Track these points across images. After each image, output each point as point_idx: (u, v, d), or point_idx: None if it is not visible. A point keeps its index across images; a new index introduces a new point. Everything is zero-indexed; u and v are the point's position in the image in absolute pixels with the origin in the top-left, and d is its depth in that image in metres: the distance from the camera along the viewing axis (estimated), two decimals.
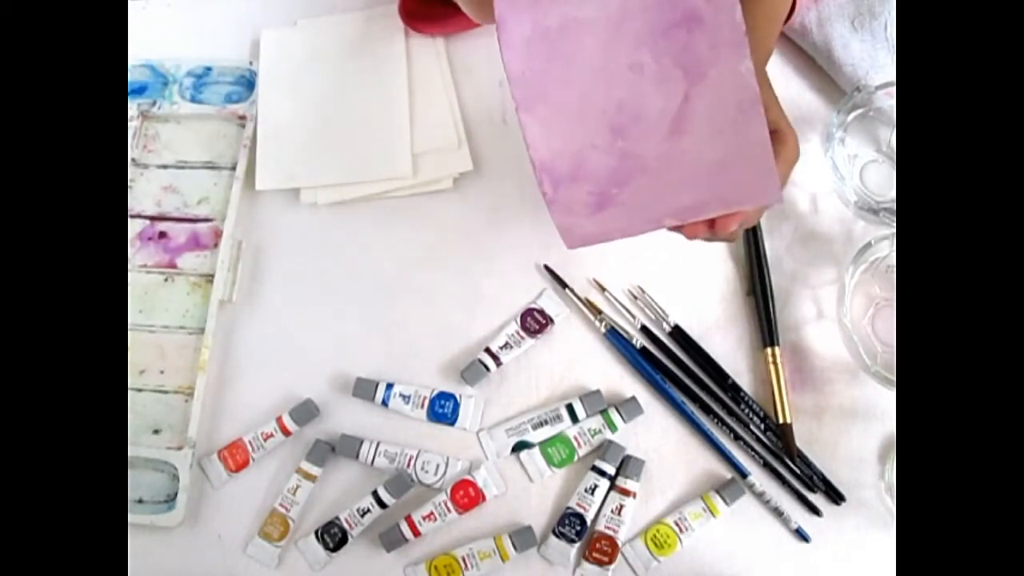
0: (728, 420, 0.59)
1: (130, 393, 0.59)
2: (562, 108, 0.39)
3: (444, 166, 0.63)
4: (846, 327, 0.57)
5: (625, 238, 0.43)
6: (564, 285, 0.61)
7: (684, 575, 0.56)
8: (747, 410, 0.59)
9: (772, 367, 0.58)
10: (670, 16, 0.37)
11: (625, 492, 0.56)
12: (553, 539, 0.56)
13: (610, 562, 0.55)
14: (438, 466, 0.57)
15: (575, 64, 0.39)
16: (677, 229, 0.44)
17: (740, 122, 0.38)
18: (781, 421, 0.58)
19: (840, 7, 0.65)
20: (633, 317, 0.61)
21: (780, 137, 0.47)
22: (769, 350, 0.59)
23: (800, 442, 0.58)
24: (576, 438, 0.58)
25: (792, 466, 0.58)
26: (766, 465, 0.58)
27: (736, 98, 0.38)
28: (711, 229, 0.44)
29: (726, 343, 0.60)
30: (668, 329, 0.61)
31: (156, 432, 0.59)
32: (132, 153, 0.65)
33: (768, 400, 0.59)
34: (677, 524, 0.56)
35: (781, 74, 0.66)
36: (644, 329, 0.61)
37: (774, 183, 0.40)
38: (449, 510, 0.55)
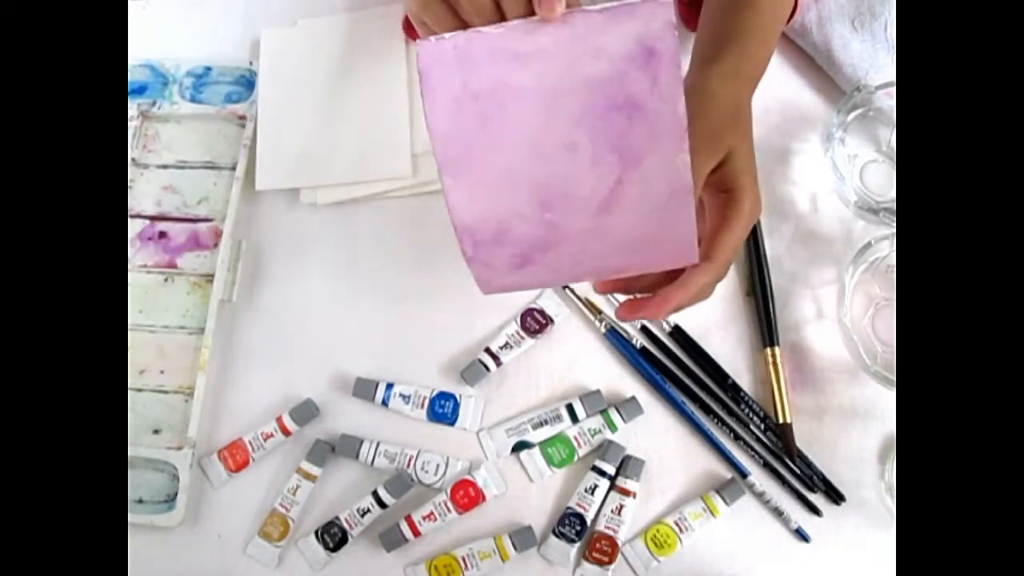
0: (728, 420, 0.59)
1: (130, 393, 0.59)
2: (489, 175, 0.38)
3: None
4: (846, 327, 0.57)
5: (541, 289, 0.43)
6: (564, 285, 0.61)
7: (684, 575, 0.56)
8: (747, 410, 0.59)
9: (772, 367, 0.59)
10: (611, 99, 0.36)
11: (625, 492, 0.56)
12: (553, 539, 0.56)
13: (610, 562, 0.55)
14: (438, 466, 0.57)
15: (506, 133, 0.37)
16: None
17: (670, 208, 0.38)
18: (781, 421, 0.58)
19: (840, 7, 0.65)
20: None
21: (737, 196, 0.45)
22: (769, 350, 0.59)
23: (800, 442, 0.58)
24: (576, 438, 0.58)
25: (792, 466, 0.58)
26: (766, 465, 0.58)
27: (669, 188, 0.37)
28: (626, 288, 0.46)
29: (726, 343, 0.60)
30: (668, 329, 0.61)
31: (156, 432, 0.59)
32: (132, 153, 0.65)
33: (768, 400, 0.59)
34: (677, 524, 0.56)
35: (781, 74, 0.66)
36: (644, 329, 0.61)
37: (692, 254, 0.40)
38: (449, 510, 0.55)
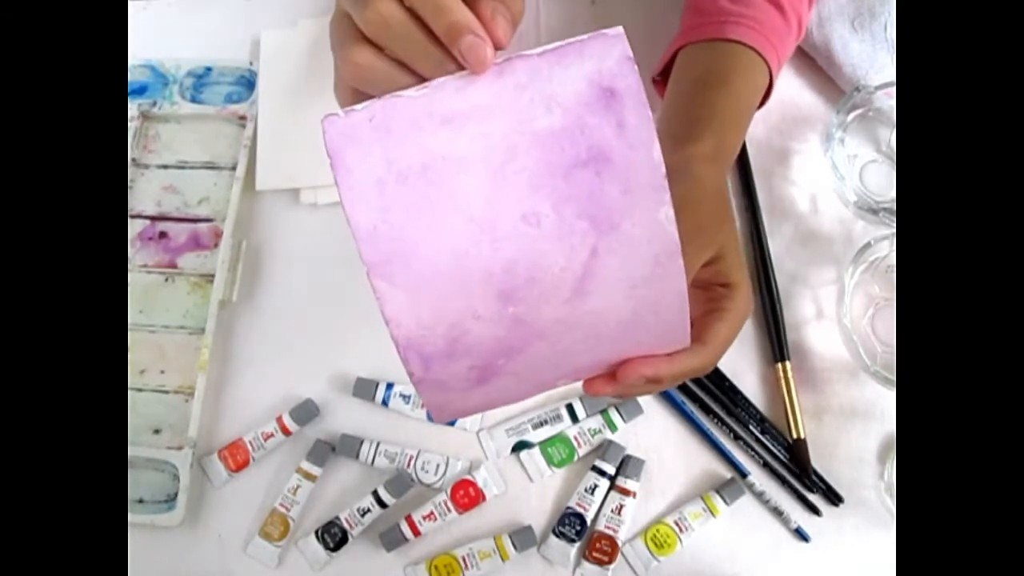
0: (728, 420, 0.59)
1: (130, 393, 0.59)
2: (431, 271, 0.31)
3: None
4: (846, 327, 0.57)
5: (508, 405, 0.37)
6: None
7: (684, 575, 0.56)
8: (744, 412, 0.59)
9: (783, 382, 0.58)
10: (571, 154, 0.30)
11: (625, 492, 0.56)
12: (553, 539, 0.56)
13: (610, 562, 0.55)
14: (438, 466, 0.57)
15: (447, 216, 0.30)
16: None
17: (656, 277, 0.32)
18: (795, 437, 0.58)
19: (840, 7, 0.65)
20: None
21: (731, 291, 0.42)
22: (780, 365, 0.59)
23: None
24: (576, 438, 0.58)
25: (792, 466, 0.58)
26: (766, 465, 0.58)
27: (653, 251, 0.31)
28: (613, 383, 0.38)
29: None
30: None
31: (156, 432, 0.59)
32: (132, 153, 0.65)
33: (768, 401, 0.59)
34: (677, 524, 0.56)
35: (781, 74, 0.66)
36: None
37: (684, 335, 0.35)
38: (449, 510, 0.55)
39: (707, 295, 0.44)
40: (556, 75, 0.30)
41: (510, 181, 0.30)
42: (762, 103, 0.55)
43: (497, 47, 0.32)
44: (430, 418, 0.58)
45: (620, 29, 0.31)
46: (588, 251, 0.31)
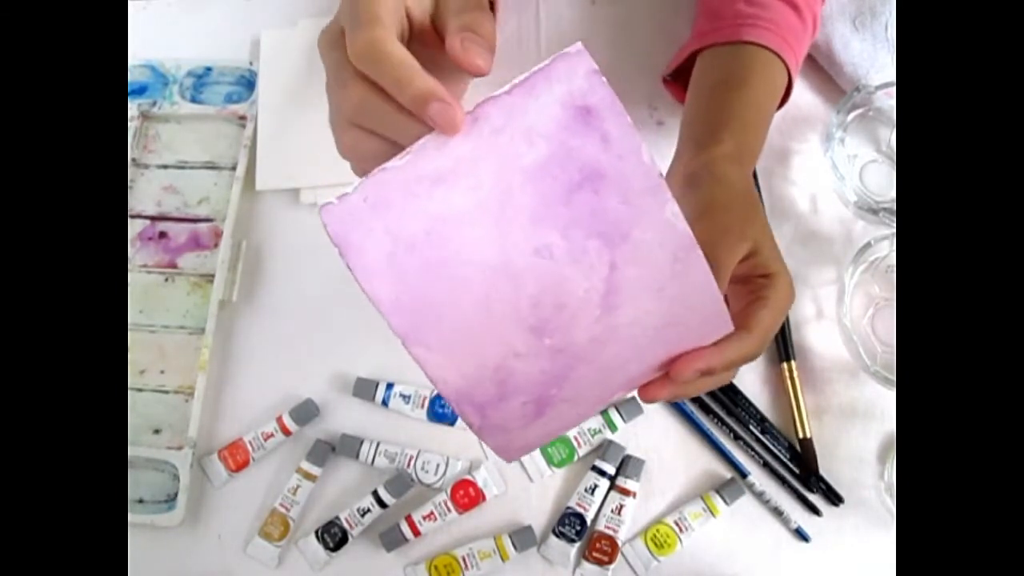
0: (728, 420, 0.59)
1: (130, 393, 0.59)
2: (462, 326, 0.32)
3: None
4: (846, 327, 0.57)
5: (571, 429, 0.38)
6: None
7: (684, 575, 0.56)
8: (744, 413, 0.59)
9: (789, 382, 0.58)
10: (564, 179, 0.31)
11: (625, 492, 0.56)
12: (553, 539, 0.56)
13: (610, 562, 0.55)
14: (438, 466, 0.57)
15: (462, 270, 0.31)
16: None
17: (679, 273, 0.32)
18: (801, 436, 0.58)
19: (841, 6, 0.65)
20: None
21: (771, 280, 0.43)
22: (785, 365, 0.59)
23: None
24: (576, 438, 0.58)
25: (792, 466, 0.58)
26: (766, 465, 0.58)
27: (669, 251, 0.32)
28: (667, 385, 0.38)
29: None
30: None
31: (156, 432, 0.59)
32: (132, 153, 0.65)
33: (769, 401, 0.59)
34: (677, 524, 0.56)
35: None
36: None
37: (724, 322, 0.35)
38: (449, 510, 0.55)
39: (747, 288, 0.43)
40: (530, 107, 0.31)
41: (513, 222, 0.31)
42: (782, 103, 0.55)
43: (478, 75, 0.33)
44: (430, 417, 0.58)
45: (579, 45, 0.31)
46: (607, 267, 0.32)
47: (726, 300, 0.37)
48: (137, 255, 0.63)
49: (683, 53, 0.56)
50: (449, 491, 0.56)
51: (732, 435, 0.58)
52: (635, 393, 0.39)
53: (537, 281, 0.32)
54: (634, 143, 0.31)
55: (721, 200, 0.44)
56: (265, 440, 0.57)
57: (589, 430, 0.58)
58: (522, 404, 0.34)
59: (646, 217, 0.31)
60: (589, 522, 0.56)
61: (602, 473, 0.56)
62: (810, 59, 0.66)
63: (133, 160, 0.65)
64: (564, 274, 0.31)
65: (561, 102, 0.31)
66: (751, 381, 0.60)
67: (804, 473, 0.57)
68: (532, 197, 0.31)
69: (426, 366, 0.33)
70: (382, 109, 0.32)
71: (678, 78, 0.59)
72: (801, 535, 0.56)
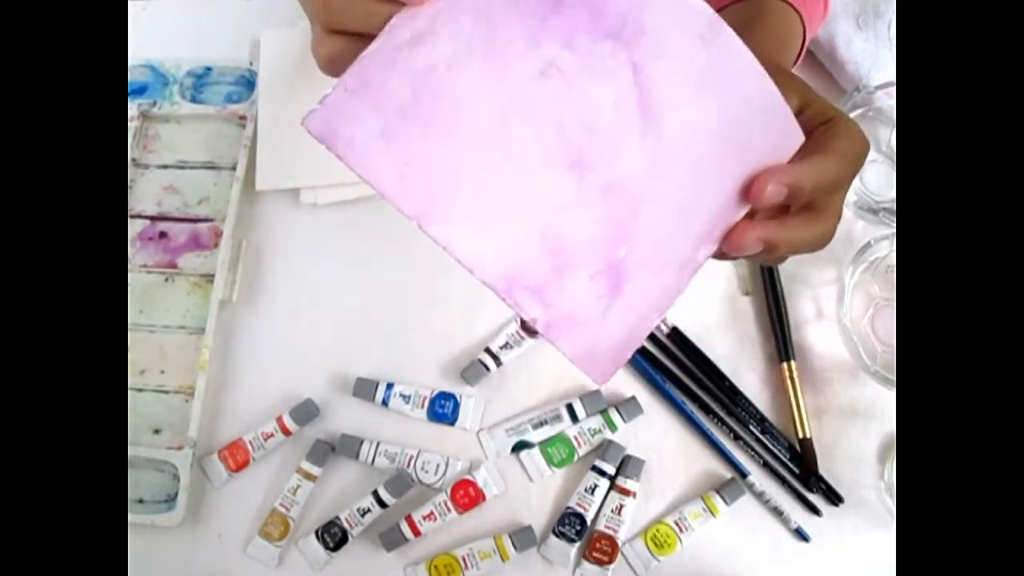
0: (728, 420, 0.59)
1: (130, 393, 0.59)
2: (485, 186, 0.27)
3: None
4: (846, 327, 0.57)
5: (664, 314, 0.31)
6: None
7: (684, 575, 0.56)
8: (744, 413, 0.59)
9: (789, 381, 0.58)
10: None
11: (625, 492, 0.56)
12: (553, 539, 0.56)
13: (610, 562, 0.55)
14: (438, 466, 0.57)
15: (467, 119, 0.27)
16: (720, 255, 0.33)
17: (714, 57, 0.28)
18: (801, 436, 0.58)
19: (845, 4, 0.65)
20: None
21: (834, 123, 0.37)
22: (785, 365, 0.59)
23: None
24: (576, 438, 0.58)
25: (791, 466, 0.58)
26: (766, 465, 0.58)
27: (693, 31, 0.27)
28: (756, 224, 0.32)
29: (726, 343, 0.60)
30: (666, 331, 0.61)
31: (156, 432, 0.59)
32: (132, 153, 0.65)
33: (769, 401, 0.59)
34: (677, 524, 0.56)
35: None
36: None
37: (789, 120, 0.30)
38: (449, 510, 0.55)
39: (810, 138, 0.37)
40: None
41: (507, 50, 0.27)
42: (796, 61, 0.53)
43: None
44: (430, 417, 0.58)
45: None
46: (629, 68, 0.27)
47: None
48: (137, 255, 0.63)
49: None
50: (449, 491, 0.56)
51: (732, 435, 0.58)
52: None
53: (555, 106, 0.27)
54: None
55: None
56: (265, 440, 0.57)
57: (589, 430, 0.58)
58: (590, 277, 0.28)
59: (652, 2, 0.27)
60: (589, 522, 0.56)
61: (602, 473, 0.56)
62: (811, 57, 0.66)
63: (133, 160, 0.65)
64: (584, 89, 0.27)
65: None
66: (751, 381, 0.60)
67: (804, 473, 0.57)
68: (518, 18, 0.27)
69: (454, 248, 0.27)
70: (351, 3, 0.30)
71: None
72: (801, 535, 0.56)
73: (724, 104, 0.29)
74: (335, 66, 0.31)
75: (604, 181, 0.28)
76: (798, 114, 0.37)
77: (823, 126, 0.37)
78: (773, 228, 0.33)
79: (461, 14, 0.27)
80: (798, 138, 0.31)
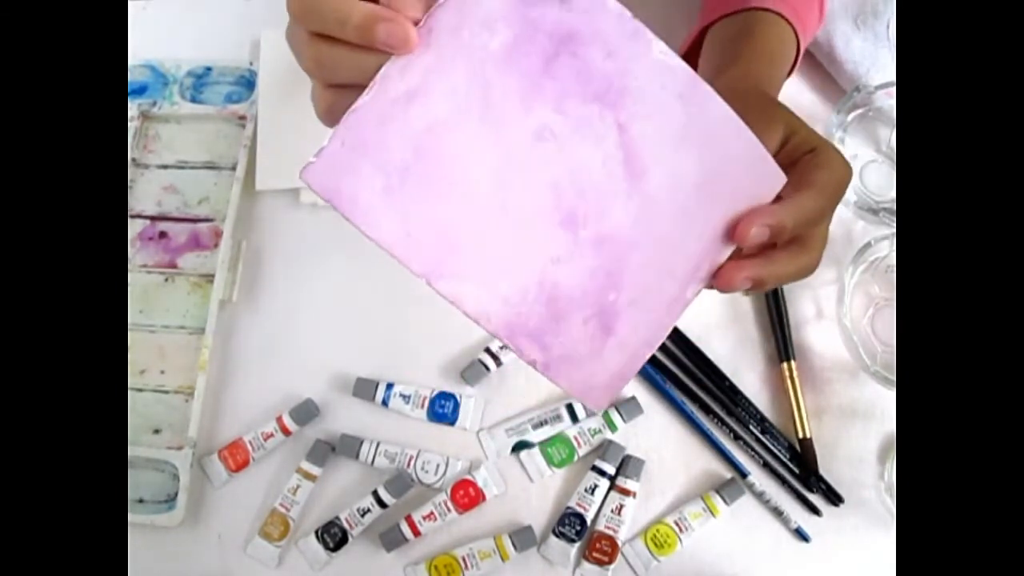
0: (728, 420, 0.59)
1: (130, 393, 0.59)
2: (486, 243, 0.29)
3: None
4: (846, 327, 0.57)
5: (655, 348, 0.33)
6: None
7: (684, 575, 0.56)
8: (744, 413, 0.59)
9: (789, 382, 0.58)
10: (538, 53, 0.29)
11: (625, 492, 0.56)
12: (553, 539, 0.56)
13: (610, 562, 0.55)
14: (438, 466, 0.57)
15: (466, 179, 0.29)
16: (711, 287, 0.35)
17: (694, 114, 0.30)
18: (801, 436, 0.58)
19: (844, 5, 0.65)
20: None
21: (817, 153, 0.39)
22: (785, 365, 0.59)
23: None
24: (576, 438, 0.58)
25: (791, 466, 0.58)
26: (766, 465, 0.58)
27: (672, 90, 0.30)
28: (741, 264, 0.34)
29: (725, 343, 0.60)
30: None
31: (156, 432, 0.59)
32: (132, 153, 0.65)
33: (769, 401, 0.59)
34: (677, 524, 0.56)
35: None
36: None
37: (770, 165, 0.32)
38: (449, 510, 0.55)
39: (796, 169, 0.39)
40: None
41: (502, 113, 0.29)
42: (792, 70, 0.54)
43: (414, 23, 0.30)
44: (430, 417, 0.58)
45: None
46: (615, 129, 0.30)
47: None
48: (137, 255, 0.63)
49: (694, 31, 0.57)
50: (449, 491, 0.56)
51: (732, 435, 0.58)
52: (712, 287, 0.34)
53: (548, 168, 0.29)
54: None
55: (736, 96, 0.39)
56: (265, 440, 0.57)
57: (589, 430, 0.58)
58: (583, 322, 0.31)
59: (635, 63, 0.29)
60: (589, 522, 0.56)
61: (602, 473, 0.56)
62: (810, 57, 0.66)
63: (133, 160, 0.65)
64: (574, 151, 0.29)
65: None
66: (751, 381, 0.60)
67: (804, 473, 0.57)
68: (512, 81, 0.29)
69: (462, 302, 0.29)
70: (337, 55, 0.30)
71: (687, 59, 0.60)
72: (801, 535, 0.56)
73: (705, 157, 0.31)
74: (335, 117, 0.32)
75: (595, 235, 0.30)
76: (783, 144, 0.39)
77: (807, 156, 0.39)
78: (760, 265, 0.34)
79: (453, 71, 0.29)
80: (779, 180, 0.33)
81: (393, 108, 0.29)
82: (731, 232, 0.33)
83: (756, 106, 0.40)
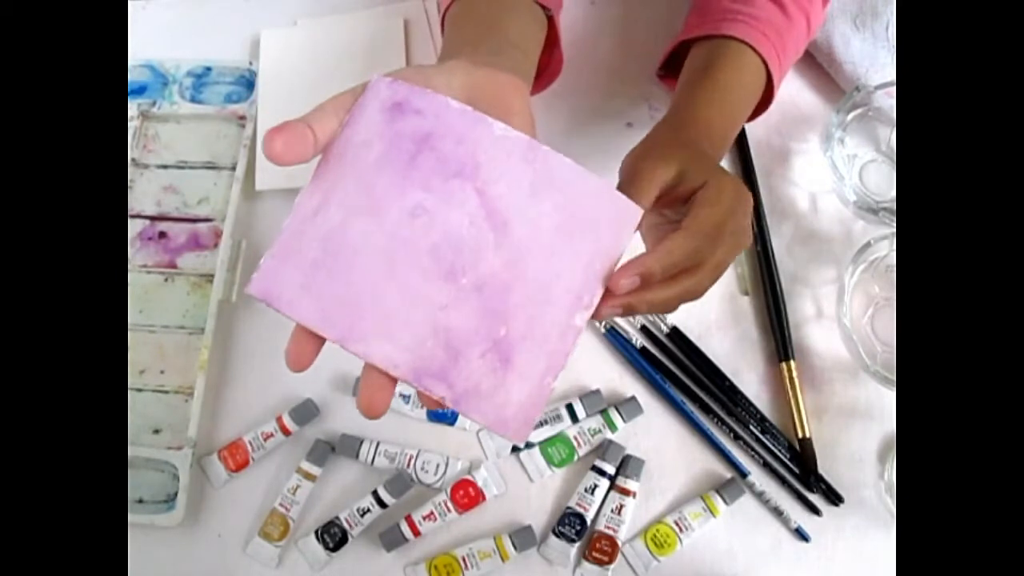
0: (728, 420, 0.59)
1: (130, 393, 0.59)
2: (383, 306, 0.35)
3: None
4: (846, 327, 0.57)
5: (558, 374, 0.37)
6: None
7: (684, 575, 0.56)
8: (744, 412, 0.59)
9: (788, 381, 0.58)
10: (404, 152, 0.36)
11: (625, 492, 0.56)
12: (553, 539, 0.56)
13: (610, 562, 0.55)
14: (438, 466, 0.57)
15: (362, 260, 0.35)
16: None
17: (539, 170, 0.36)
18: (801, 436, 0.58)
19: (843, 5, 0.65)
20: (633, 316, 0.61)
21: (705, 186, 0.41)
22: (785, 365, 0.59)
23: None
24: (576, 438, 0.58)
25: (791, 466, 0.58)
26: (766, 465, 0.58)
27: (517, 155, 0.36)
28: (612, 299, 0.38)
29: (725, 342, 0.60)
30: (666, 330, 0.61)
31: (156, 432, 0.59)
32: (132, 153, 0.65)
33: (769, 401, 0.59)
34: (677, 524, 0.56)
35: None
36: (644, 329, 0.61)
37: (617, 198, 0.37)
38: (449, 510, 0.55)
39: (689, 205, 0.42)
40: (359, 127, 0.37)
41: (382, 203, 0.35)
42: (767, 99, 0.55)
43: (276, 161, 0.36)
44: (430, 417, 0.58)
45: (376, 75, 0.37)
46: (474, 194, 0.36)
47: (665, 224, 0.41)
48: (137, 255, 0.63)
49: (668, 48, 0.58)
50: (449, 491, 0.56)
51: (732, 435, 0.58)
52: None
53: (426, 236, 0.35)
54: (440, 101, 0.37)
55: (657, 132, 0.46)
56: (265, 440, 0.57)
57: (589, 430, 0.58)
58: (481, 356, 0.35)
59: (482, 142, 0.36)
60: (589, 522, 0.56)
61: (602, 473, 0.56)
62: (810, 58, 0.66)
63: (133, 160, 0.65)
64: (444, 218, 0.35)
65: (379, 110, 0.37)
66: (751, 381, 0.60)
67: (804, 473, 0.57)
68: (387, 178, 0.36)
69: (372, 358, 0.35)
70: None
71: (674, 73, 0.60)
72: (801, 535, 0.56)
73: (558, 202, 0.36)
74: None
75: (474, 282, 0.35)
76: (674, 185, 0.42)
77: (698, 192, 0.41)
78: (641, 260, 0.38)
79: (344, 184, 0.36)
80: (633, 212, 0.38)
81: (304, 224, 0.36)
82: (610, 282, 0.37)
83: (667, 141, 0.45)
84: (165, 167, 0.65)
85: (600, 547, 0.55)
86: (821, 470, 0.57)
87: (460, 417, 0.58)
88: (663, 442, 0.58)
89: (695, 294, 0.41)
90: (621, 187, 0.41)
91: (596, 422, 0.58)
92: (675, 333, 0.60)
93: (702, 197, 0.41)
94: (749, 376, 0.60)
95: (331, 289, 0.35)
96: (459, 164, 0.36)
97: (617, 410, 0.58)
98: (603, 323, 0.60)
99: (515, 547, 0.54)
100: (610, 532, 0.55)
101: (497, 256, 0.35)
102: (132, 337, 0.61)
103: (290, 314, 0.36)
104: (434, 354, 0.35)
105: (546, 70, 0.58)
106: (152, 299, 0.62)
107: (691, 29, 0.55)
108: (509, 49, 0.47)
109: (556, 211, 0.36)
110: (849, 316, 0.58)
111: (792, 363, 0.59)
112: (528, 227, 0.36)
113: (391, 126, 0.36)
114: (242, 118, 0.65)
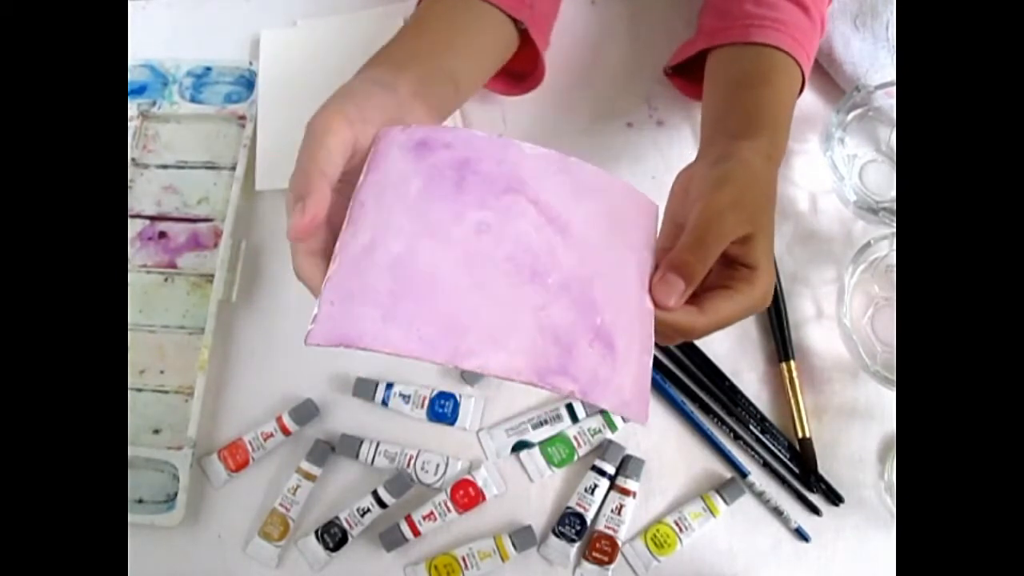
0: (728, 420, 0.59)
1: (130, 393, 0.59)
2: (485, 318, 0.35)
3: None
4: (846, 327, 0.57)
5: (651, 353, 0.39)
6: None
7: (684, 575, 0.56)
8: (744, 412, 0.59)
9: (788, 382, 0.58)
10: (449, 181, 0.38)
11: (625, 492, 0.56)
12: (553, 539, 0.56)
13: (610, 562, 0.55)
14: (438, 466, 0.57)
15: (445, 278, 0.36)
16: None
17: (575, 179, 0.39)
18: (801, 436, 0.58)
19: (843, 5, 0.65)
20: None
21: (751, 274, 0.42)
22: (785, 365, 0.59)
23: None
24: (576, 438, 0.58)
25: (791, 466, 0.58)
26: (766, 465, 0.58)
27: (552, 169, 0.39)
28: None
29: (725, 342, 0.60)
30: None
31: (156, 432, 0.59)
32: (132, 153, 0.65)
33: (770, 400, 0.59)
34: (677, 524, 0.56)
35: None
36: None
37: (636, 193, 0.41)
38: (449, 510, 0.55)
39: (728, 272, 0.43)
40: (388, 172, 0.39)
41: (442, 227, 0.37)
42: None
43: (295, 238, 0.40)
44: (430, 417, 0.58)
45: (383, 129, 0.41)
46: (531, 205, 0.38)
47: (710, 275, 0.41)
48: (137, 255, 0.63)
49: (690, 49, 0.57)
50: (449, 491, 0.56)
51: (732, 435, 0.58)
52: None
53: (498, 247, 0.37)
54: (464, 132, 0.40)
55: (740, 178, 0.44)
56: (265, 440, 0.57)
57: (589, 430, 0.58)
58: (589, 345, 0.36)
59: (518, 160, 0.39)
60: (589, 522, 0.56)
61: (602, 473, 0.56)
62: None
63: (133, 160, 0.65)
64: (510, 230, 0.37)
65: (403, 151, 0.39)
66: (751, 381, 0.60)
67: (804, 473, 0.57)
68: (438, 204, 0.38)
69: (491, 369, 0.34)
70: (303, 271, 0.41)
71: (679, 72, 0.60)
72: (801, 535, 0.56)
73: (598, 203, 0.40)
74: (311, 281, 0.41)
75: (559, 280, 0.37)
76: (738, 243, 0.42)
77: (744, 270, 0.43)
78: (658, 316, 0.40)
79: (393, 219, 0.38)
80: (651, 206, 0.43)
81: (360, 262, 0.37)
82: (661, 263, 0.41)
83: (752, 197, 0.44)
84: (165, 167, 0.65)
85: (600, 547, 0.55)
86: (821, 470, 0.57)
87: (460, 417, 0.58)
88: (663, 442, 0.58)
89: (690, 338, 0.44)
90: (693, 229, 0.41)
91: (596, 422, 0.58)
92: None
93: (739, 292, 0.42)
94: (749, 376, 0.60)
95: (420, 314, 0.35)
96: (506, 181, 0.38)
97: None
98: None
99: (515, 547, 0.54)
100: (610, 532, 0.55)
101: (569, 256, 0.37)
102: (132, 337, 0.61)
103: (381, 349, 0.35)
104: (548, 351, 0.35)
105: (530, 76, 0.58)
106: (152, 299, 0.62)
107: (716, 34, 0.54)
108: (442, 83, 0.49)
109: (599, 211, 0.39)
110: (849, 316, 0.58)
111: (792, 363, 0.59)
112: (584, 227, 0.38)
113: (423, 162, 0.39)
114: (242, 118, 0.65)
